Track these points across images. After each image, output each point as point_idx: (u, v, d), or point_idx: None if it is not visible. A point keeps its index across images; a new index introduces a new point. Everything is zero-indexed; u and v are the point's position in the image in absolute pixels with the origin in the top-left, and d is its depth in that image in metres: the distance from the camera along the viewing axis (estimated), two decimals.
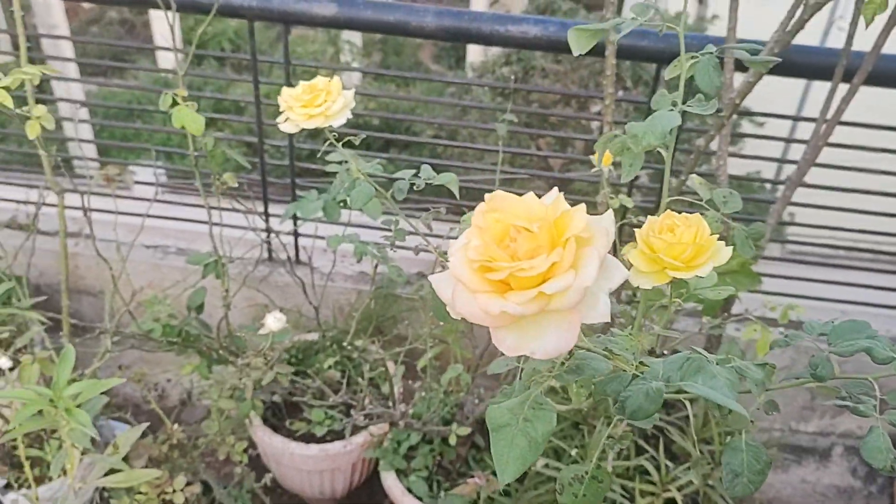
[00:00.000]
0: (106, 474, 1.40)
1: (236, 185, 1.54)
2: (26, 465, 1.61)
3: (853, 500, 2.18)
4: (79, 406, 1.18)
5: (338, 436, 1.90)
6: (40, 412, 1.19)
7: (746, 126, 4.35)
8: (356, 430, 1.89)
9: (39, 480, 1.85)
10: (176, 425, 1.41)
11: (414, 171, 1.20)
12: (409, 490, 1.81)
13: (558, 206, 0.52)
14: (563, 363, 0.71)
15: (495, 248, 0.51)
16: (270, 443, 1.85)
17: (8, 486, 1.83)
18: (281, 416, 1.94)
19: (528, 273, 0.49)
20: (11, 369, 1.44)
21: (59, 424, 1.19)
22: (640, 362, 0.66)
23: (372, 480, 2.07)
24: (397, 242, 1.47)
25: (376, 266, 1.48)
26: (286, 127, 1.09)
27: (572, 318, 0.50)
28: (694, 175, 0.94)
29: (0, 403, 1.55)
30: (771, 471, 2.25)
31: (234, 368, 1.46)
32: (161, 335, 1.51)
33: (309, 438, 1.89)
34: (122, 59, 5.95)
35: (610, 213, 0.53)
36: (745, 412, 0.63)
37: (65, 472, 1.31)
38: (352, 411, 1.60)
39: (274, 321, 1.33)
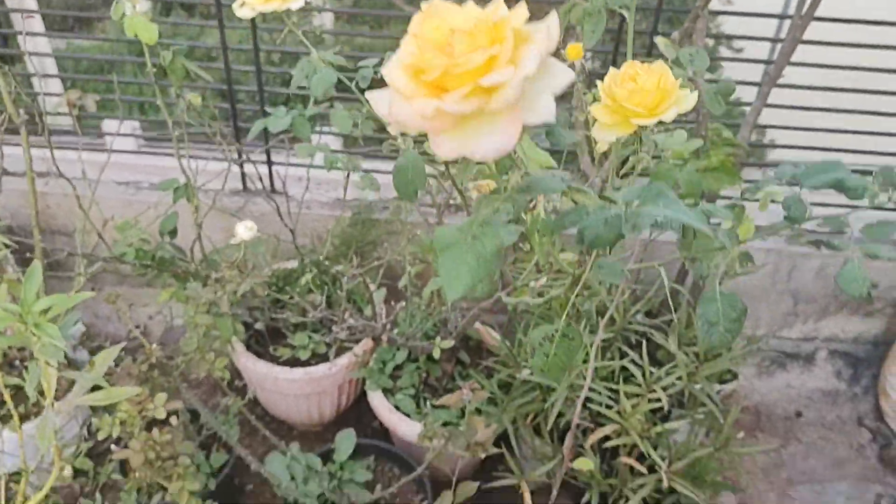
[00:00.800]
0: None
1: (200, 102, 1.50)
2: (8, 398, 1.59)
3: (838, 402, 2.21)
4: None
5: (322, 359, 1.90)
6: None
7: (724, 50, 4.29)
8: (340, 352, 1.89)
9: (24, 417, 1.85)
10: (155, 345, 1.39)
11: (379, 59, 1.17)
12: (397, 408, 1.81)
13: (498, 8, 0.50)
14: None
15: (432, 52, 0.49)
16: (254, 368, 1.84)
17: None
18: (264, 342, 1.93)
19: (464, 68, 0.47)
20: None
21: (29, 341, 1.17)
22: (601, 196, 0.65)
23: (359, 404, 2.07)
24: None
25: (348, 175, 1.46)
26: (243, 13, 1.05)
27: (512, 116, 0.48)
28: (659, 37, 0.91)
29: None
30: (756, 377, 2.28)
31: (209, 285, 1.44)
32: (134, 258, 1.49)
33: (294, 364, 1.89)
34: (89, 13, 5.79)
35: (554, 14, 0.51)
36: (709, 231, 0.61)
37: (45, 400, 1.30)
38: (333, 327, 1.59)
39: (245, 230, 1.30)
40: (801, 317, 2.19)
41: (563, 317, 0.80)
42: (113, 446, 1.37)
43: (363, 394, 1.98)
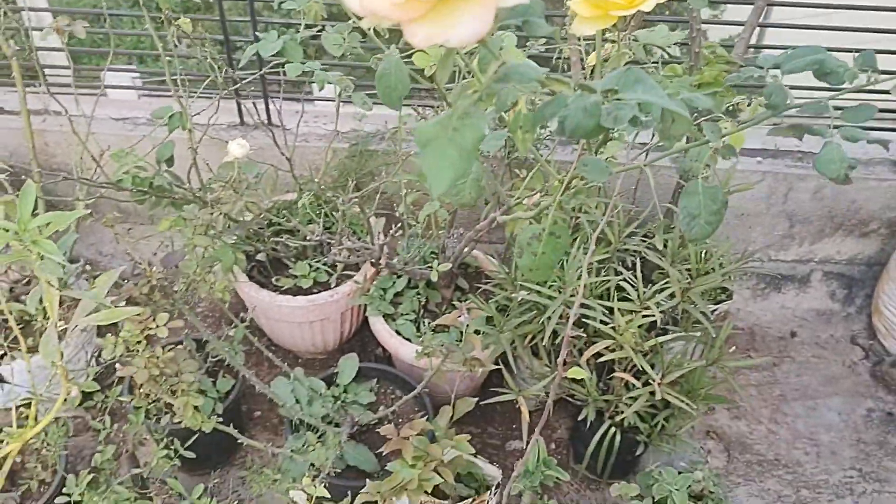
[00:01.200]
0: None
1: (191, 28, 1.49)
2: (15, 328, 1.63)
3: (832, 322, 2.24)
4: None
5: (325, 288, 1.93)
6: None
7: None
8: (342, 280, 1.92)
9: (33, 350, 1.89)
10: (154, 268, 1.42)
11: None
12: (398, 333, 1.85)
13: None
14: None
15: None
16: (258, 297, 1.87)
17: (2, 357, 1.86)
18: (267, 273, 1.96)
19: None
20: None
21: (28, 259, 1.19)
22: (579, 85, 0.65)
23: (362, 333, 2.11)
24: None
25: (340, 93, 1.46)
26: None
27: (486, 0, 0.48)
28: None
29: None
30: (751, 299, 2.30)
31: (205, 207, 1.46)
32: (131, 184, 1.50)
33: (296, 294, 1.92)
34: None
35: None
36: (685, 113, 0.62)
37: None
38: (332, 249, 1.61)
39: (237, 147, 1.30)
40: (797, 239, 2.20)
41: (551, 215, 0.81)
42: (118, 366, 1.41)
43: (365, 324, 2.01)
